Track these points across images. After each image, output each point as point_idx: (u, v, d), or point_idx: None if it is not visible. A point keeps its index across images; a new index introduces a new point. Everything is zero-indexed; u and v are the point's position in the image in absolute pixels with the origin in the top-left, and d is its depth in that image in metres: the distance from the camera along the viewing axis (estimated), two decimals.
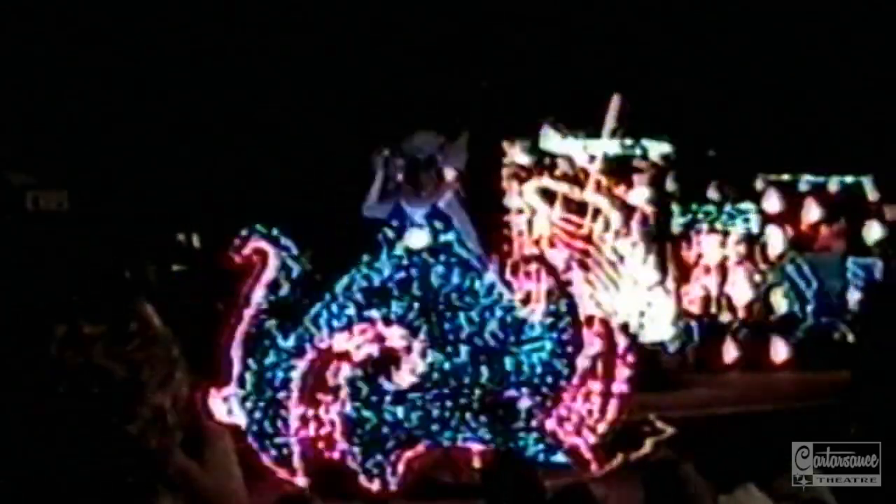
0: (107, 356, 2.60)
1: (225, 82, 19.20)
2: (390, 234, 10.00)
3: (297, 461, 9.40)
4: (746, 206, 21.07)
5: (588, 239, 18.49)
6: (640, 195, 18.95)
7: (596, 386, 9.75)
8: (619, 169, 18.78)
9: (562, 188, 18.49)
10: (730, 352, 19.97)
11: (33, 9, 18.96)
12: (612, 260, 18.59)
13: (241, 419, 9.60)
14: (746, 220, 20.89)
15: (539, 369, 9.65)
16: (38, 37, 19.10)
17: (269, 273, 9.58)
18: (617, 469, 10.34)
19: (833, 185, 21.41)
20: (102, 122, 19.43)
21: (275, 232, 9.66)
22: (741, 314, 20.27)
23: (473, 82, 19.90)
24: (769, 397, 15.66)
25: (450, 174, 10.04)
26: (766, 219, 20.78)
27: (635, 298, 18.40)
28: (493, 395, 9.47)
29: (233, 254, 9.64)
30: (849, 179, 21.42)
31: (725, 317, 20.16)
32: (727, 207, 20.89)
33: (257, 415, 9.58)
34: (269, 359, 9.69)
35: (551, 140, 18.73)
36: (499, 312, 9.92)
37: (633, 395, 9.87)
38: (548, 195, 18.53)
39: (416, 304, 9.72)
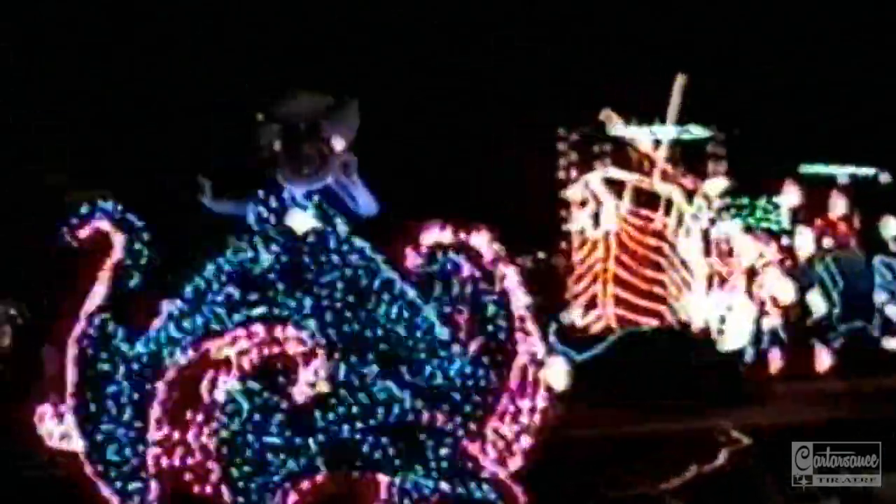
0: None
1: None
2: (265, 213, 8.72)
3: (153, 497, 8.19)
4: (779, 199, 20.73)
5: (661, 235, 18.18)
6: (716, 186, 18.65)
7: (525, 403, 8.45)
8: (687, 156, 18.58)
9: (630, 178, 18.08)
10: (775, 361, 19.36)
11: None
12: (684, 259, 18.30)
13: (78, 445, 8.40)
14: (779, 216, 20.57)
15: (459, 381, 8.42)
16: (63, 39, 19.40)
17: (113, 260, 8.43)
18: (691, 481, 9.93)
19: (843, 177, 21.20)
20: (140, 119, 19.68)
21: (119, 209, 8.45)
22: (778, 319, 19.57)
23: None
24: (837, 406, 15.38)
25: (339, 144, 8.76)
26: (796, 215, 20.59)
27: (712, 301, 18.11)
28: (411, 413, 8.25)
29: (68, 236, 8.40)
30: (862, 171, 21.27)
31: (768, 323, 19.27)
32: (761, 201, 20.75)
33: (99, 437, 8.34)
34: (111, 369, 8.44)
35: (613, 125, 18.40)
36: (405, 312, 8.57)
37: (552, 410, 8.70)
38: (615, 186, 18.09)
39: (307, 301, 8.42)
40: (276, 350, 8.01)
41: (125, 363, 8.36)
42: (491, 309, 8.35)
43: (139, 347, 8.40)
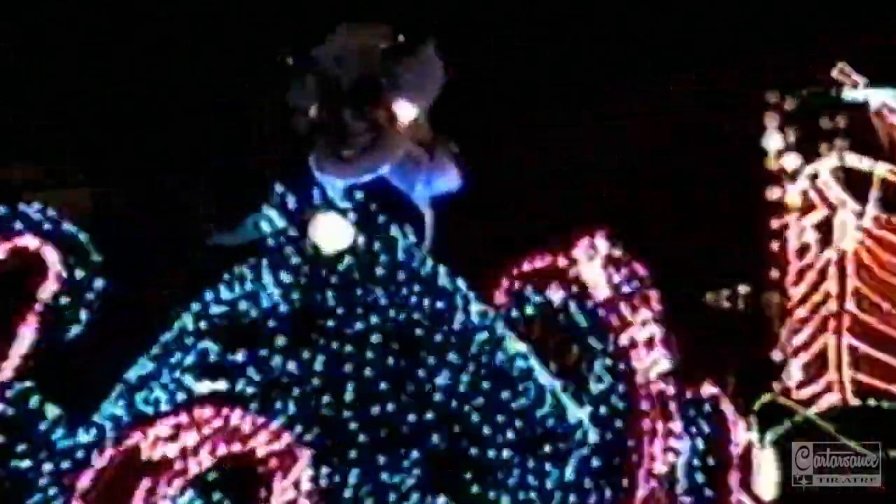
0: None
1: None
2: (281, 222, 7.39)
3: None
4: None
5: None
6: None
7: None
8: None
9: (881, 169, 15.48)
10: None
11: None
12: None
13: None
14: None
15: (557, 499, 6.81)
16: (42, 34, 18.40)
17: (44, 296, 6.92)
18: None
19: None
20: (122, 112, 18.15)
21: (52, 214, 6.94)
22: None
23: None
24: None
25: (406, 110, 7.27)
26: None
27: None
28: None
29: None
30: None
31: None
32: None
33: None
34: (32, 468, 6.78)
35: (852, 88, 15.95)
36: (487, 382, 6.90)
37: None
38: (855, 180, 15.62)
39: (319, 359, 6.92)
40: (237, 449, 6.36)
41: (51, 459, 6.82)
42: (604, 381, 6.91)
43: (79, 435, 6.93)
